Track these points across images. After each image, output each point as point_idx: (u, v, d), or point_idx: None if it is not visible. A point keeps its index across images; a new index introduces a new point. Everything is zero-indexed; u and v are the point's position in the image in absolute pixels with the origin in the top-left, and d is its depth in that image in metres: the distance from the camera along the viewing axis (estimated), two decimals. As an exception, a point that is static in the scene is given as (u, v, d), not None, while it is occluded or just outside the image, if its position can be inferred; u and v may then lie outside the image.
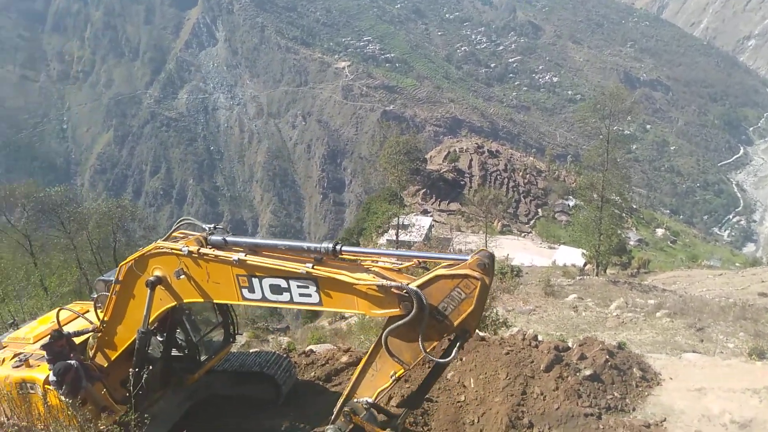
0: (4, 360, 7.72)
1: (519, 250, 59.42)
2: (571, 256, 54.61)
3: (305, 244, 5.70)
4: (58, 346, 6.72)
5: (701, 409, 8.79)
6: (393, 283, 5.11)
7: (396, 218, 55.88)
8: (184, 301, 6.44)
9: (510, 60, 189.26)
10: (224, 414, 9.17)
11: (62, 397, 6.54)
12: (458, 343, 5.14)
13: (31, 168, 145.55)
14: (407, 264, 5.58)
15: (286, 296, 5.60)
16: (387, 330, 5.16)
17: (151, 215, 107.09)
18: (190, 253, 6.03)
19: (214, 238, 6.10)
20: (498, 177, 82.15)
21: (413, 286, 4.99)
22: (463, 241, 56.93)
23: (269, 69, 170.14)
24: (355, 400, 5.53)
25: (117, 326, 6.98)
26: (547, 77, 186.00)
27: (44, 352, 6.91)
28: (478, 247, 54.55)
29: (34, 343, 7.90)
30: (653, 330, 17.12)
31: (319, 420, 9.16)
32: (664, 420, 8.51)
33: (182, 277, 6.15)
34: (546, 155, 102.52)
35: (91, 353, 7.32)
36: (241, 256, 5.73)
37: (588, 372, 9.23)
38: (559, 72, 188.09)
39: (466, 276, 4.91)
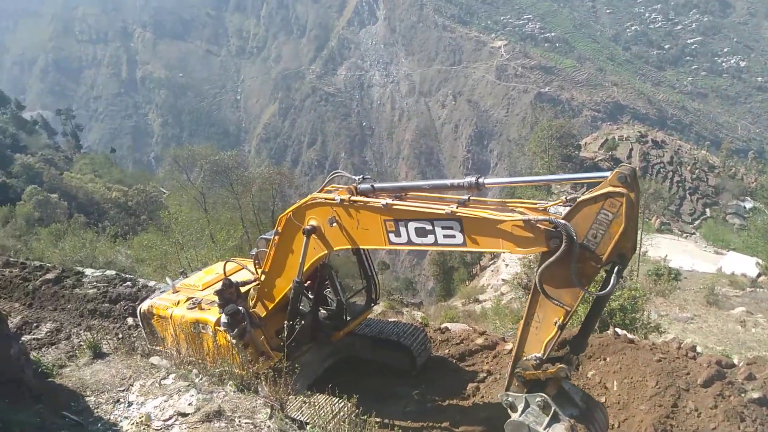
0: (179, 302, 8.90)
1: (679, 252, 53.97)
2: (742, 264, 48.28)
3: (449, 181, 5.76)
4: (229, 293, 7.58)
5: None
6: (540, 217, 4.94)
7: (541, 205, 53.79)
8: (335, 248, 6.85)
9: (688, 41, 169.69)
10: (359, 376, 9.63)
11: (230, 339, 7.39)
12: (616, 270, 4.81)
13: (209, 133, 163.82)
14: (552, 203, 5.30)
15: (430, 238, 5.68)
16: (540, 271, 4.99)
17: (305, 184, 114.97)
18: (342, 201, 6.39)
19: (362, 186, 6.41)
20: (661, 170, 75.01)
21: (562, 220, 4.80)
22: (613, 236, 53.17)
23: (424, 47, 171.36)
24: (525, 358, 5.34)
25: (275, 277, 7.65)
26: (732, 61, 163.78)
27: (216, 297, 7.83)
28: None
29: (202, 290, 8.97)
30: (844, 360, 14.63)
31: (450, 395, 9.30)
32: None
33: (334, 225, 6.55)
34: (722, 149, 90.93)
35: (251, 303, 8.14)
36: (389, 201, 5.92)
37: (756, 395, 8.20)
38: (748, 55, 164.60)
39: (608, 195, 4.61)
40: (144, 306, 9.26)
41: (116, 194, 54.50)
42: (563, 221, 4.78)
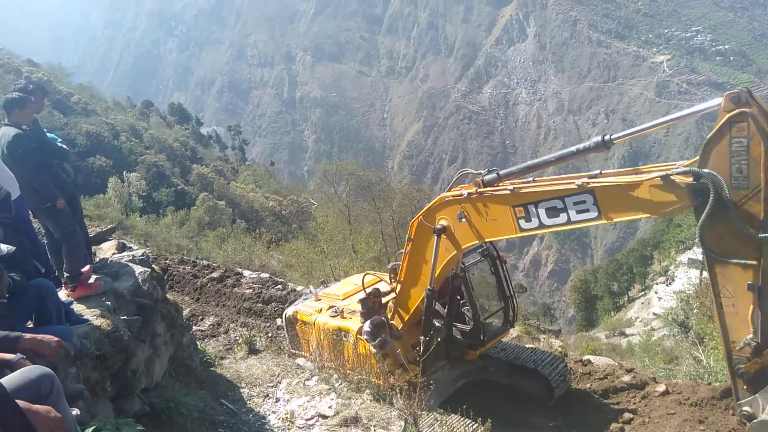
0: (322, 309, 9.41)
1: None
2: None
3: (574, 147, 5.51)
4: (373, 302, 7.89)
5: None
6: (678, 170, 4.53)
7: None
8: (463, 246, 6.80)
9: None
10: (492, 400, 9.38)
11: (372, 348, 7.67)
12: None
13: (356, 149, 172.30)
14: (691, 162, 4.64)
15: (563, 217, 5.46)
16: (700, 233, 4.44)
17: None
18: (469, 194, 6.37)
19: (488, 177, 6.32)
20: None
21: (704, 169, 4.33)
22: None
23: (576, 64, 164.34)
24: (737, 348, 4.56)
25: (409, 286, 7.79)
26: None
27: (358, 307, 8.18)
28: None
29: (343, 299, 9.39)
30: None
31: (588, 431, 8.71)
32: None
33: (463, 220, 6.52)
34: None
35: (390, 314, 8.37)
36: (516, 185, 5.81)
37: None
38: None
39: (730, 122, 4.12)
40: (289, 311, 9.89)
41: (272, 203, 59.30)
42: (709, 171, 4.31)
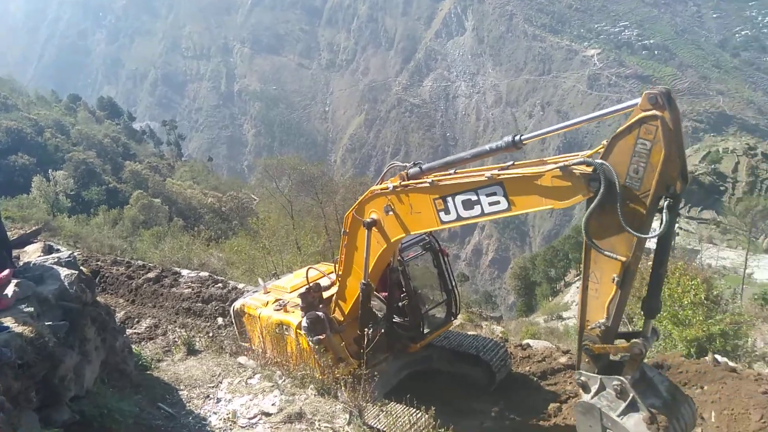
0: (268, 303, 9.29)
1: (791, 276, 49.24)
2: None
3: (487, 146, 5.61)
4: (312, 297, 7.83)
5: None
6: (574, 161, 4.64)
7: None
8: (392, 240, 6.89)
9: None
10: (436, 388, 9.55)
11: (310, 342, 7.62)
12: (666, 206, 4.35)
13: (298, 143, 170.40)
14: (593, 150, 4.79)
15: (477, 209, 5.59)
16: (585, 220, 4.59)
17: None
18: (394, 188, 6.47)
19: (412, 170, 6.42)
20: (773, 185, 68.82)
21: (599, 159, 4.45)
22: (714, 255, 49.47)
23: (512, 57, 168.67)
24: (589, 327, 4.92)
25: (347, 278, 7.81)
26: None
27: (299, 301, 8.11)
28: (734, 266, 46.52)
29: (290, 292, 9.31)
30: None
31: (530, 414, 9.01)
32: None
33: (390, 213, 6.62)
34: None
35: (332, 308, 8.35)
36: (434, 178, 5.93)
37: None
38: None
39: (641, 121, 4.19)
40: (237, 304, 9.79)
41: (211, 200, 57.80)
42: (601, 161, 4.42)
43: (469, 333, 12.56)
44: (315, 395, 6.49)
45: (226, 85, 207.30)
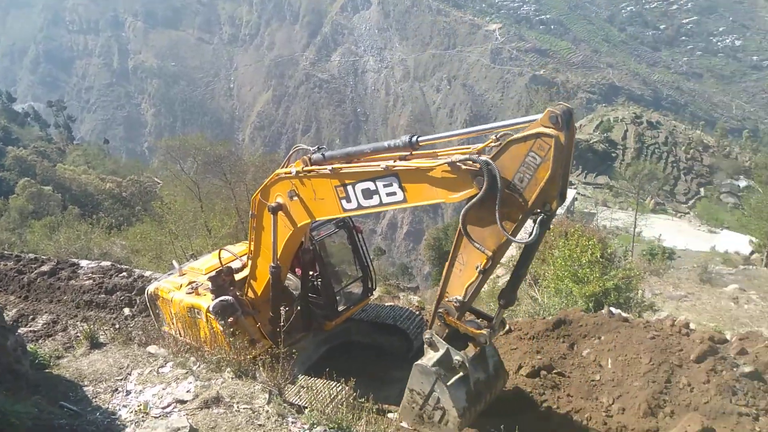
0: (181, 285, 8.94)
1: (673, 232, 54.40)
2: (736, 242, 48.66)
3: (386, 143, 5.71)
4: (222, 280, 7.61)
5: None
6: (460, 157, 4.80)
7: (537, 189, 53.83)
8: (299, 224, 6.85)
9: (684, 21, 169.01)
10: (357, 360, 9.69)
11: (221, 326, 7.44)
12: (539, 221, 4.68)
13: (202, 122, 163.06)
14: (484, 144, 5.04)
15: (376, 199, 5.70)
16: (464, 211, 4.85)
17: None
18: (297, 173, 6.44)
19: (315, 156, 6.40)
20: (656, 151, 75.18)
21: (485, 157, 4.61)
22: (608, 217, 53.46)
23: (418, 32, 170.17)
24: (447, 299, 5.37)
25: (258, 260, 7.69)
26: (728, 40, 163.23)
27: (210, 283, 7.86)
28: (625, 225, 50.49)
29: (205, 274, 9.01)
30: (836, 335, 14.81)
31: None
32: (841, 434, 7.43)
33: (294, 198, 6.58)
34: (716, 129, 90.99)
35: (245, 290, 8.16)
36: (335, 165, 5.96)
37: (748, 369, 8.29)
38: (743, 34, 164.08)
39: (538, 135, 4.35)
40: (151, 288, 9.40)
41: (110, 185, 54.23)
42: (485, 159, 4.60)
43: (386, 305, 12.77)
44: (232, 378, 6.35)
45: (119, 62, 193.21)
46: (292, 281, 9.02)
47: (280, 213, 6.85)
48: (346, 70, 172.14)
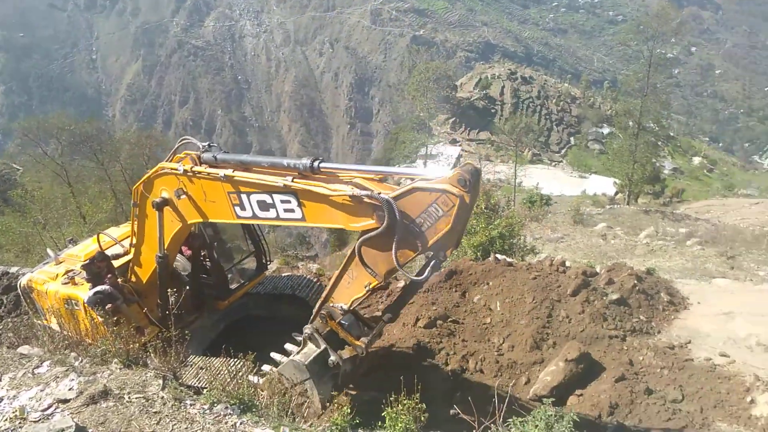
0: (57, 275, 8.18)
1: (549, 180, 58.69)
2: (602, 185, 53.68)
3: (285, 161, 5.59)
4: (97, 267, 7.06)
5: (727, 332, 8.81)
6: (363, 192, 4.88)
7: (424, 148, 55.29)
8: (189, 222, 6.58)
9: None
10: (259, 334, 9.56)
11: (100, 316, 6.94)
12: (433, 263, 4.95)
13: (63, 99, 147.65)
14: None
15: (272, 212, 5.61)
16: (360, 240, 5.01)
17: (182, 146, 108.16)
18: (185, 171, 6.12)
19: (206, 155, 6.12)
20: (530, 104, 79.81)
21: (387, 196, 4.75)
22: (492, 171, 56.35)
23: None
24: (332, 305, 5.57)
25: (142, 247, 7.26)
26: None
27: (84, 272, 7.28)
28: (507, 177, 53.53)
29: (84, 260, 8.30)
30: (683, 257, 16.96)
31: (349, 338, 9.53)
32: (689, 342, 8.59)
33: (183, 197, 6.27)
34: (582, 81, 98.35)
35: (129, 276, 7.67)
36: (228, 171, 5.72)
37: (615, 296, 9.28)
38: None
39: (444, 191, 4.61)
40: (23, 280, 8.59)
41: (-42, 176, 47.88)
42: (387, 198, 4.70)
43: (284, 275, 12.64)
44: (120, 369, 5.97)
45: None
46: (179, 262, 8.62)
47: (166, 208, 6.45)
48: (222, 35, 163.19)
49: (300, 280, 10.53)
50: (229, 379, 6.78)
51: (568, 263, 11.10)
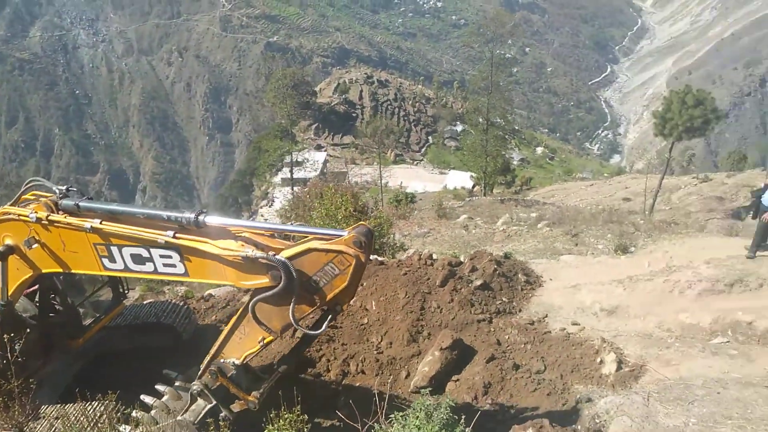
0: None
1: (412, 178, 61.25)
2: (461, 179, 57.20)
3: (165, 213, 5.14)
4: None
5: (576, 302, 9.81)
6: (259, 254, 4.71)
7: (289, 155, 54.72)
8: (44, 271, 5.88)
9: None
10: (124, 369, 8.84)
11: None
12: (329, 317, 5.00)
13: None
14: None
15: (149, 266, 5.18)
16: (255, 298, 4.87)
17: (12, 171, 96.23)
18: (39, 219, 5.45)
19: (65, 202, 5.46)
20: (389, 107, 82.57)
21: (283, 256, 4.68)
22: (358, 174, 57.40)
23: (136, 0, 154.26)
24: (222, 360, 5.33)
25: None
26: (431, 2, 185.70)
27: None
28: (373, 179, 54.83)
29: None
30: (535, 239, 18.59)
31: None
32: (546, 316, 9.41)
33: (35, 246, 5.58)
34: (434, 82, 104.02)
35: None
36: (96, 223, 5.16)
37: (479, 282, 9.87)
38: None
39: (340, 252, 4.68)
40: None
41: None
42: (284, 260, 4.65)
43: (146, 302, 11.77)
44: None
45: None
46: (20, 303, 7.63)
47: (12, 256, 5.69)
48: (52, 46, 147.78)
49: (165, 306, 9.85)
50: (90, 427, 6.14)
51: (435, 256, 11.60)
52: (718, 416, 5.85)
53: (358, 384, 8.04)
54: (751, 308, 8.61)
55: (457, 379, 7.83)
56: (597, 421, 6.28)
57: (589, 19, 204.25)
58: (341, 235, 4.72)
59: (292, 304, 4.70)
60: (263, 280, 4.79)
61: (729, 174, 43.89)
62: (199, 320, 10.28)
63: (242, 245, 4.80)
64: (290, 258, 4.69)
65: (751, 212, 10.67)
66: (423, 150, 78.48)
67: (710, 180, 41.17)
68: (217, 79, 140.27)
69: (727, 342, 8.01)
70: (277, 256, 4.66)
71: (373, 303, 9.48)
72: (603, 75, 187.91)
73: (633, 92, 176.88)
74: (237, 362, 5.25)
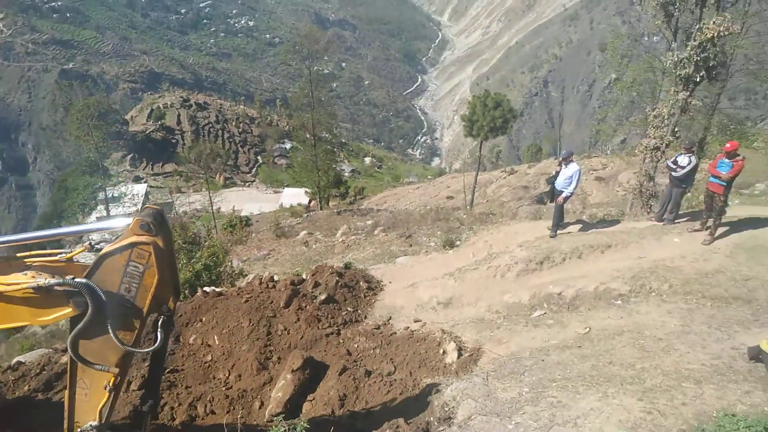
0: None
1: (246, 201, 59.71)
2: (296, 196, 57.14)
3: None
4: None
5: (415, 300, 10.34)
6: (53, 281, 4.14)
7: (102, 191, 49.68)
8: None
9: (201, 4, 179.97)
10: None
11: None
12: (161, 323, 4.56)
13: None
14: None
15: None
16: (70, 338, 4.29)
17: None
18: None
19: None
20: (211, 130, 79.58)
21: (80, 278, 4.17)
22: (186, 202, 54.32)
23: None
24: (80, 429, 4.65)
25: None
26: (242, 21, 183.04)
27: None
28: (204, 206, 52.30)
29: None
30: (373, 246, 19.25)
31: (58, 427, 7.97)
32: (390, 318, 9.77)
33: None
34: (256, 101, 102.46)
35: None
36: None
37: (323, 296, 9.91)
38: (253, 16, 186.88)
39: (132, 245, 4.22)
40: None
41: None
42: (83, 280, 4.14)
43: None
44: None
45: None
46: None
47: None
48: None
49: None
50: None
51: (276, 277, 11.40)
52: (545, 381, 6.55)
53: (209, 426, 7.54)
54: (558, 280, 9.84)
55: (313, 398, 7.74)
56: (446, 408, 6.65)
57: (396, 33, 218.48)
58: (126, 224, 4.26)
59: (111, 327, 4.18)
60: (66, 311, 4.20)
61: (530, 165, 49.98)
62: (8, 394, 8.83)
63: (33, 276, 4.16)
64: (87, 276, 4.18)
65: (548, 197, 12.17)
66: (254, 170, 76.87)
67: (516, 172, 46.49)
68: (4, 114, 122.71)
69: (545, 314, 9.04)
70: (76, 279, 4.12)
71: (215, 337, 9.00)
72: (415, 85, 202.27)
73: (443, 99, 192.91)
74: (95, 423, 4.54)
